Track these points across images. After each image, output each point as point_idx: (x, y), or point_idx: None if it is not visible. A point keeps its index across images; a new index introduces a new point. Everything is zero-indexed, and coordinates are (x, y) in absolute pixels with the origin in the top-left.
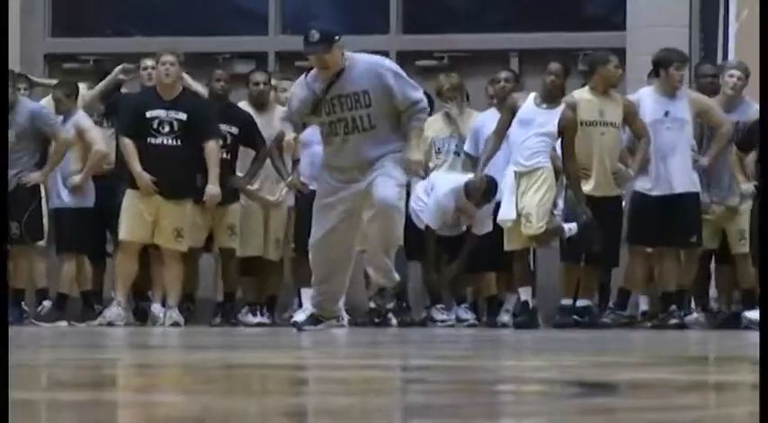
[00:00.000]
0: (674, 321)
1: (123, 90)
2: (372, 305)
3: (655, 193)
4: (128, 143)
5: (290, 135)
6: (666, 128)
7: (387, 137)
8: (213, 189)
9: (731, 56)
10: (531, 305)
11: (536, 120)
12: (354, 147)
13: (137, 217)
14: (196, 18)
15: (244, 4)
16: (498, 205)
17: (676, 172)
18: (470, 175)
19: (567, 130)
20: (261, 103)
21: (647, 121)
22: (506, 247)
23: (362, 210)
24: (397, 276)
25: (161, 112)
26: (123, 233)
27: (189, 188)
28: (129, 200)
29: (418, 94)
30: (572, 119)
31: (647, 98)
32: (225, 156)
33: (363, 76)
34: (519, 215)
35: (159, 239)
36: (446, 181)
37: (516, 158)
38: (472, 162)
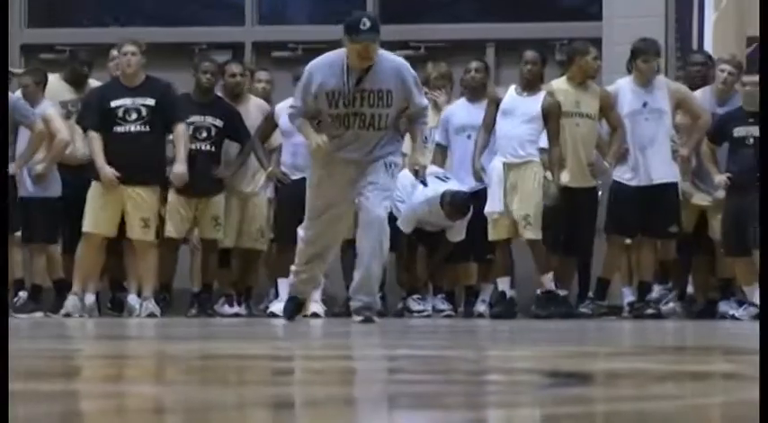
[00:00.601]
0: (650, 311)
1: (94, 82)
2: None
3: (633, 183)
4: (94, 136)
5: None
6: (645, 118)
7: (391, 138)
8: (180, 168)
9: (707, 46)
10: (508, 295)
11: (518, 108)
12: (366, 142)
13: (101, 209)
14: (172, 8)
15: None
16: (474, 193)
17: (655, 162)
18: (449, 186)
19: (550, 113)
20: (236, 95)
21: (625, 112)
22: (491, 238)
23: (356, 190)
24: (377, 306)
25: (126, 101)
26: (87, 225)
27: (157, 175)
28: (94, 191)
29: (426, 102)
30: (555, 102)
31: (625, 89)
32: (209, 148)
33: (389, 75)
34: (508, 210)
35: (128, 231)
36: (426, 188)
37: (505, 150)
38: (442, 152)
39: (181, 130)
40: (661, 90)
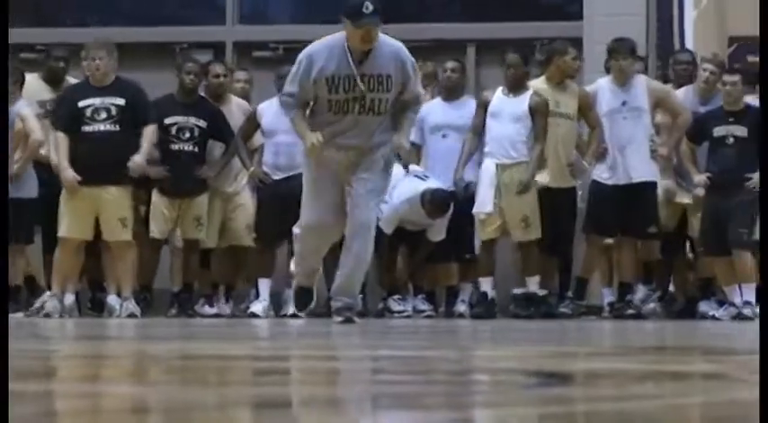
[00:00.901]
0: (630, 311)
1: (72, 81)
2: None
3: (612, 182)
4: (60, 137)
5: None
6: (623, 117)
7: (388, 125)
8: (139, 158)
9: (688, 44)
10: (490, 296)
11: (506, 109)
12: (366, 128)
13: (74, 213)
14: (153, 8)
15: None
16: (453, 193)
17: (634, 161)
18: (428, 184)
19: (537, 111)
20: (219, 95)
21: (604, 111)
22: (481, 237)
23: (350, 179)
24: (358, 307)
25: (95, 100)
26: (62, 230)
27: (127, 174)
28: (65, 195)
29: (422, 91)
30: (542, 100)
31: (604, 88)
32: (192, 148)
33: (389, 60)
34: (499, 210)
35: (104, 233)
36: (406, 188)
37: (497, 152)
38: (416, 151)
39: (150, 130)
40: (640, 89)
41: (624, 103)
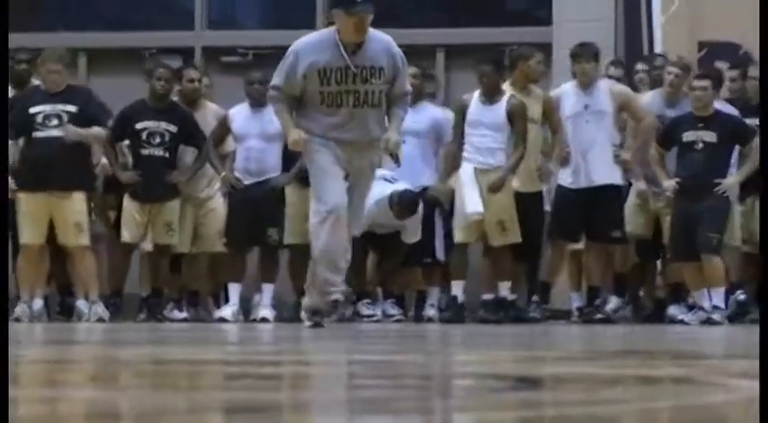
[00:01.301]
0: (599, 316)
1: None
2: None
3: (575, 186)
4: (11, 143)
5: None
6: (586, 121)
7: (383, 118)
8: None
9: (658, 49)
10: (460, 300)
11: (483, 118)
12: (362, 121)
13: (29, 218)
14: (122, 13)
15: (170, 0)
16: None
17: (596, 165)
18: (395, 186)
19: (515, 115)
20: (193, 100)
21: (567, 115)
22: (457, 240)
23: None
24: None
25: (46, 107)
26: (23, 237)
27: (83, 179)
28: (19, 202)
29: (410, 87)
30: (519, 103)
31: (568, 92)
32: (163, 154)
33: (380, 51)
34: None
35: (59, 238)
36: (375, 191)
37: (475, 158)
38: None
39: (96, 130)
40: (603, 92)
41: (587, 107)
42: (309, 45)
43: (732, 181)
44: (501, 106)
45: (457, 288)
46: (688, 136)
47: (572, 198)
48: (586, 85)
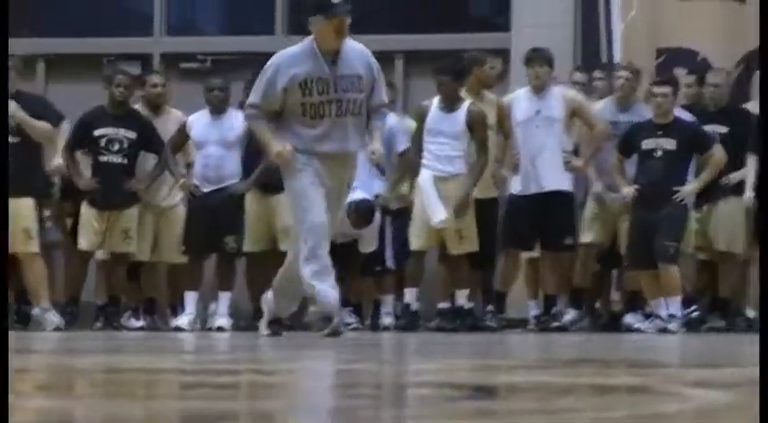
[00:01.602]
0: (555, 324)
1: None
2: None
3: (525, 192)
4: None
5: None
6: (536, 126)
7: (364, 129)
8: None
9: (617, 55)
10: (413, 308)
11: (442, 126)
12: (343, 130)
13: None
14: (81, 19)
15: (129, 6)
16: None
17: (546, 170)
18: (352, 195)
19: (475, 123)
20: (156, 106)
21: (519, 120)
22: (414, 247)
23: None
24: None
25: None
26: None
27: (33, 185)
28: None
29: (386, 97)
30: (478, 111)
31: (520, 98)
32: (122, 160)
33: (358, 60)
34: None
35: (10, 245)
36: None
37: (434, 166)
38: None
39: (45, 125)
40: (555, 98)
41: (538, 113)
42: (290, 58)
43: (690, 188)
44: (460, 114)
45: (410, 295)
46: (647, 143)
47: (522, 205)
48: (539, 89)
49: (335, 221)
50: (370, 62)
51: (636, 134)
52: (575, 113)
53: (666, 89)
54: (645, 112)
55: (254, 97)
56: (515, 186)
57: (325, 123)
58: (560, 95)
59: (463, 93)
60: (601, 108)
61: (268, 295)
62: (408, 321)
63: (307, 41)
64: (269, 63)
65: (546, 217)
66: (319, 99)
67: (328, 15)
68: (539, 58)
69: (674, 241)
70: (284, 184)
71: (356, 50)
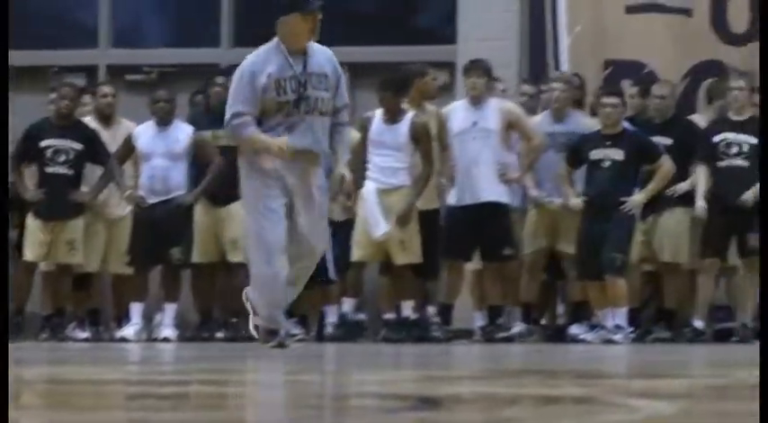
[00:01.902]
0: (501, 335)
1: None
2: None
3: (461, 203)
4: None
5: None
6: (473, 137)
7: (327, 129)
8: None
9: (565, 68)
10: (352, 318)
11: (385, 138)
12: (311, 127)
13: None
14: (25, 30)
15: (74, 18)
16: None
17: (481, 182)
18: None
19: (419, 134)
20: (107, 116)
21: (455, 132)
22: (355, 258)
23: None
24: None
25: None
26: None
27: None
28: None
29: (348, 99)
30: (421, 123)
31: (458, 109)
32: (67, 171)
33: (324, 60)
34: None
35: None
36: None
37: (377, 178)
38: None
39: None
40: (491, 110)
41: (474, 124)
42: (262, 59)
43: (638, 199)
44: (403, 126)
45: (348, 305)
46: (595, 154)
47: (459, 216)
48: (476, 100)
49: (311, 228)
50: (335, 62)
51: (584, 145)
52: (511, 126)
53: (615, 100)
54: (581, 123)
55: (237, 106)
56: (452, 197)
57: (295, 121)
58: (497, 108)
59: (405, 104)
60: (539, 120)
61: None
62: (346, 331)
63: (272, 43)
64: (241, 70)
65: (483, 228)
66: (292, 97)
67: (305, 12)
68: (476, 68)
69: (621, 253)
70: (244, 193)
71: (321, 50)
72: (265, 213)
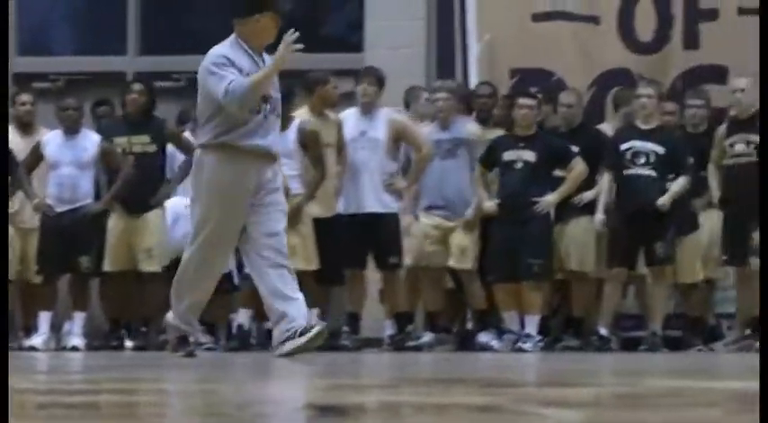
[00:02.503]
0: (410, 343)
1: None
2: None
3: (347, 211)
4: None
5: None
6: (361, 147)
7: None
8: None
9: (473, 76)
10: (246, 327)
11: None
12: (274, 128)
13: None
14: None
15: None
16: None
17: (366, 191)
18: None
19: (307, 140)
20: (27, 124)
21: (347, 139)
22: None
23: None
24: None
25: None
26: None
27: None
28: None
29: None
30: (306, 130)
31: (350, 117)
32: None
33: (270, 60)
34: None
35: None
36: (184, 224)
37: None
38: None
39: None
40: (380, 120)
41: (363, 134)
42: (230, 53)
43: (550, 199)
44: (290, 133)
45: (244, 316)
46: (508, 155)
47: (346, 225)
48: (367, 109)
49: (272, 240)
50: None
51: (497, 146)
52: (398, 136)
53: (530, 101)
54: (464, 129)
55: (227, 79)
56: (340, 205)
57: (257, 119)
58: (386, 118)
59: (304, 111)
60: (428, 130)
61: (169, 317)
62: (240, 342)
63: (231, 41)
64: (214, 59)
65: (370, 236)
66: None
67: (273, 9)
68: (368, 75)
69: (539, 258)
70: (207, 195)
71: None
72: (218, 244)
